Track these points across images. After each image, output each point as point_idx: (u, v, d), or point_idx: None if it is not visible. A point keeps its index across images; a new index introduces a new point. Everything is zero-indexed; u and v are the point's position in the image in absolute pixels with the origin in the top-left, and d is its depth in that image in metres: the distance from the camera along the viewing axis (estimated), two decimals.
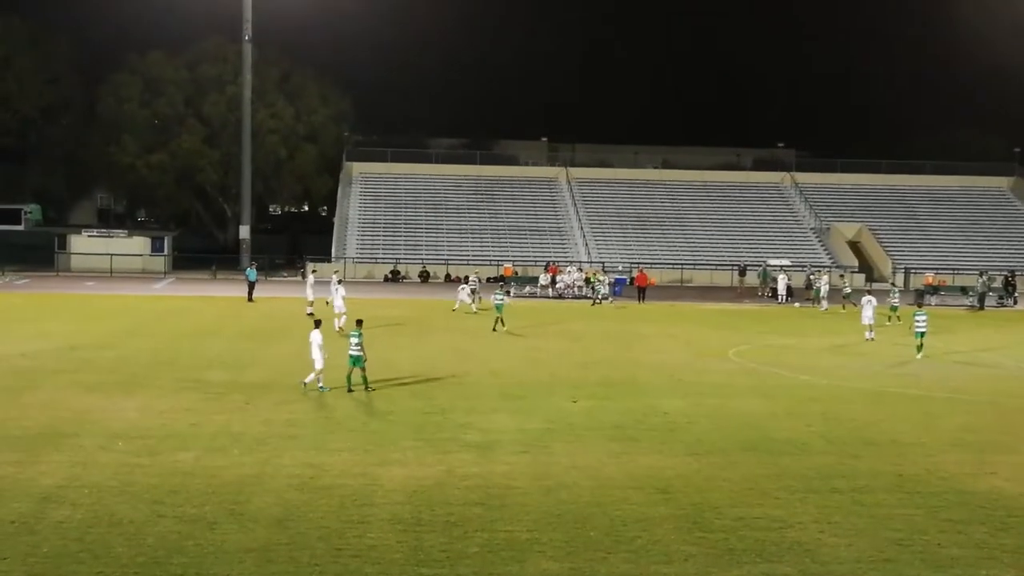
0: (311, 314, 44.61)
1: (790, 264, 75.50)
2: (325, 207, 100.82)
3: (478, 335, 43.73)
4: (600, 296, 59.26)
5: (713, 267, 79.38)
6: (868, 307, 44.14)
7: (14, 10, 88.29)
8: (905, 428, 26.43)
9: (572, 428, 25.50)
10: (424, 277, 75.91)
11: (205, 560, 16.05)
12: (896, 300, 51.48)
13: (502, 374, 33.67)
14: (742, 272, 73.91)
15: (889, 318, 49.76)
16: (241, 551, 16.41)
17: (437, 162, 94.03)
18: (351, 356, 29.50)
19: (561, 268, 69.68)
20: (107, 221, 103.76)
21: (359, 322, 31.06)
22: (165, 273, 75.72)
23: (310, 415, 26.51)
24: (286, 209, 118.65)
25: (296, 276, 73.34)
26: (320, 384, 29.42)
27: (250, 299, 55.54)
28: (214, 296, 58.94)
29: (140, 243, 79.47)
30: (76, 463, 21.22)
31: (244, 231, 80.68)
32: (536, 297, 64.77)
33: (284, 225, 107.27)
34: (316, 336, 29.58)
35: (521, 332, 45.25)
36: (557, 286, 65.92)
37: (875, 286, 66.27)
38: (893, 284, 70.88)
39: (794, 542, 17.53)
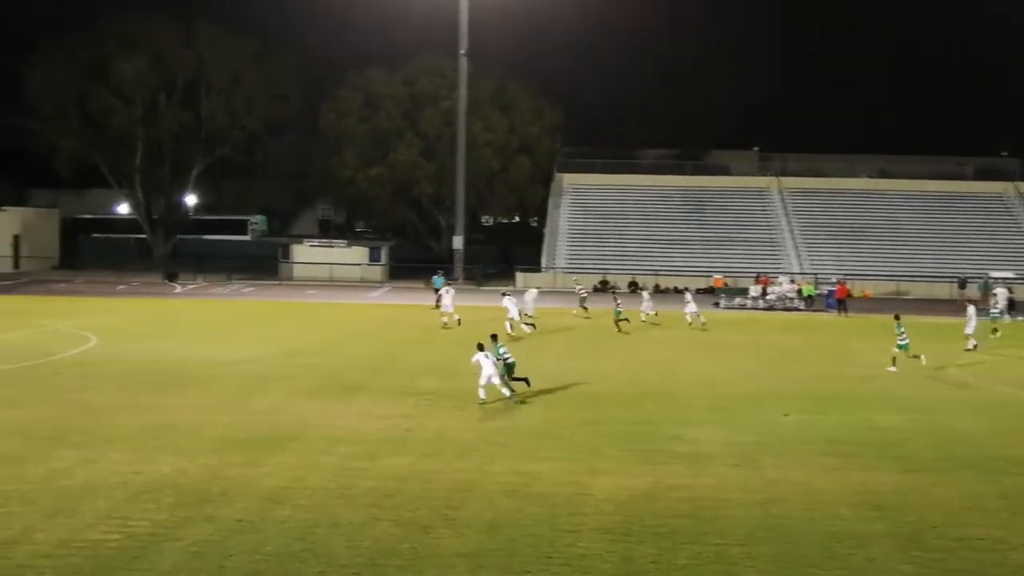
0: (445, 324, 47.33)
1: (1014, 277, 72.52)
2: (536, 218, 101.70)
3: (683, 346, 43.52)
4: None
5: (931, 279, 76.86)
6: None
7: (243, 32, 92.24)
8: None
9: (783, 442, 25.18)
10: (633, 288, 75.89)
11: (419, 563, 16.49)
12: None
13: (711, 386, 33.46)
14: (962, 285, 71.37)
15: None
16: (454, 555, 16.81)
17: (647, 172, 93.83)
18: (508, 364, 30.31)
19: (772, 279, 68.67)
20: (328, 232, 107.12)
21: (494, 336, 32.08)
22: (382, 282, 77.73)
23: (520, 423, 26.89)
24: (498, 220, 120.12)
25: (508, 285, 74.26)
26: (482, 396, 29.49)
27: (437, 306, 56.61)
28: (428, 305, 60.18)
29: (359, 253, 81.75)
30: (298, 466, 22.08)
31: (458, 241, 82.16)
32: (747, 309, 63.99)
33: (496, 236, 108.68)
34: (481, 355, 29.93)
35: (730, 344, 44.86)
36: (768, 297, 65.00)
37: None
38: None
39: (1018, 565, 16.94)
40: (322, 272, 77.21)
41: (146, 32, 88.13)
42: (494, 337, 32.12)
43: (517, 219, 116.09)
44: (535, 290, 53.55)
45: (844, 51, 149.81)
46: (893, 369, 37.09)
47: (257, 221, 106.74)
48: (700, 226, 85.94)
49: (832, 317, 58.82)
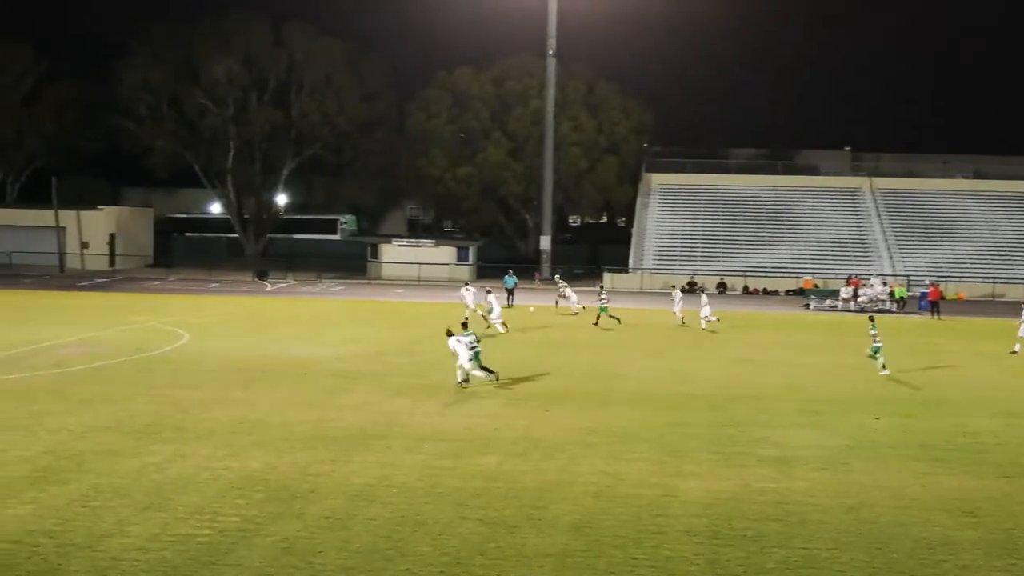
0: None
1: None
2: (624, 218, 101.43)
3: (772, 348, 43.10)
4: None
5: None
6: None
7: (335, 33, 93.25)
8: None
9: (874, 446, 24.82)
10: (721, 288, 75.36)
11: (505, 563, 16.50)
12: None
13: (799, 388, 33.10)
14: None
15: None
16: (539, 555, 16.80)
17: (736, 172, 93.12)
18: (475, 352, 31.70)
19: (863, 281, 67.76)
20: (416, 231, 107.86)
21: (464, 324, 33.79)
22: (469, 282, 77.92)
23: (606, 423, 26.79)
24: (585, 220, 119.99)
25: (594, 286, 74.15)
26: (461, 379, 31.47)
27: (509, 304, 57.03)
28: (514, 305, 60.30)
29: (446, 252, 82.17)
30: (385, 464, 22.22)
31: (545, 241, 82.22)
32: (837, 311, 63.21)
33: (583, 236, 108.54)
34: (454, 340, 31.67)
35: (820, 346, 44.36)
36: (859, 299, 64.15)
37: None
38: None
39: None
40: (410, 272, 77.72)
41: (238, 33, 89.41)
42: (464, 325, 33.66)
43: (605, 219, 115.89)
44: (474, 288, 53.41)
45: (938, 49, 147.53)
46: (886, 372, 36.21)
47: (346, 220, 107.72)
48: (789, 226, 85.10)
49: (925, 320, 57.91)
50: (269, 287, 70.46)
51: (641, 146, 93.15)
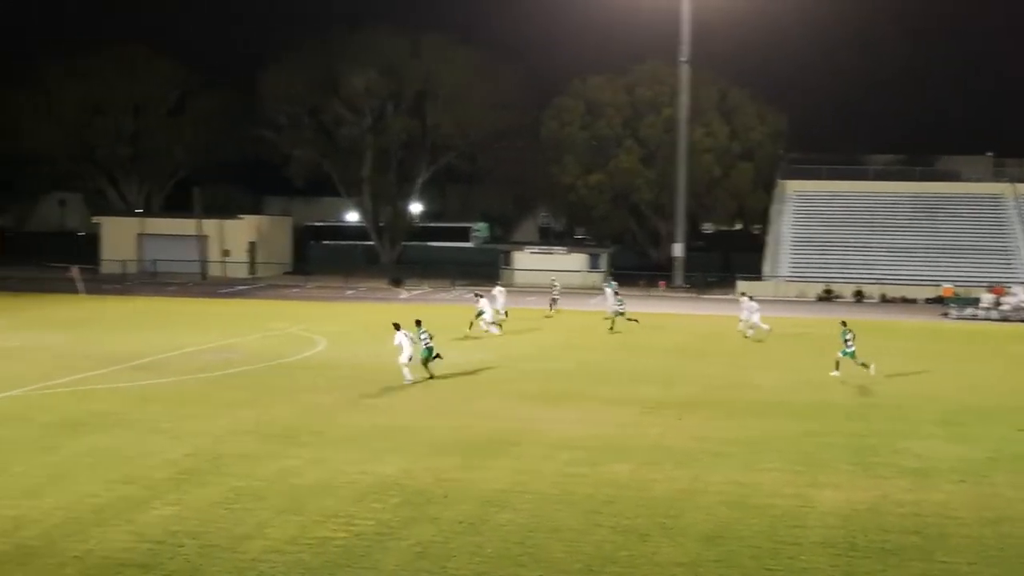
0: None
1: None
2: (759, 225, 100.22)
3: (913, 357, 42.14)
4: None
5: None
6: None
7: (470, 43, 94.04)
8: None
9: (1018, 458, 24.16)
10: (858, 297, 74.02)
11: (637, 571, 16.50)
12: None
13: (940, 399, 32.34)
14: None
15: None
16: (672, 564, 16.75)
17: (873, 179, 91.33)
18: (427, 348, 33.80)
19: (1007, 289, 65.93)
20: (548, 238, 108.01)
21: (419, 322, 35.11)
22: (601, 289, 77.85)
23: (740, 432, 26.56)
24: (719, 227, 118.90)
25: (729, 294, 73.60)
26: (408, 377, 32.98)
27: (621, 315, 57.55)
28: (646, 312, 60.07)
29: (578, 260, 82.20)
30: (519, 470, 22.36)
31: (677, 249, 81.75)
32: (978, 319, 61.59)
33: (717, 243, 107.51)
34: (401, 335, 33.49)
35: (961, 356, 43.32)
36: (1002, 308, 62.42)
37: None
38: None
39: None
40: (543, 278, 77.87)
41: (376, 44, 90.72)
42: (418, 323, 34.99)
43: (739, 226, 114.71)
44: (503, 289, 53.12)
45: None
46: (836, 374, 35.87)
47: (479, 228, 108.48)
48: (929, 233, 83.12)
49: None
50: (404, 294, 71.34)
51: (776, 152, 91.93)
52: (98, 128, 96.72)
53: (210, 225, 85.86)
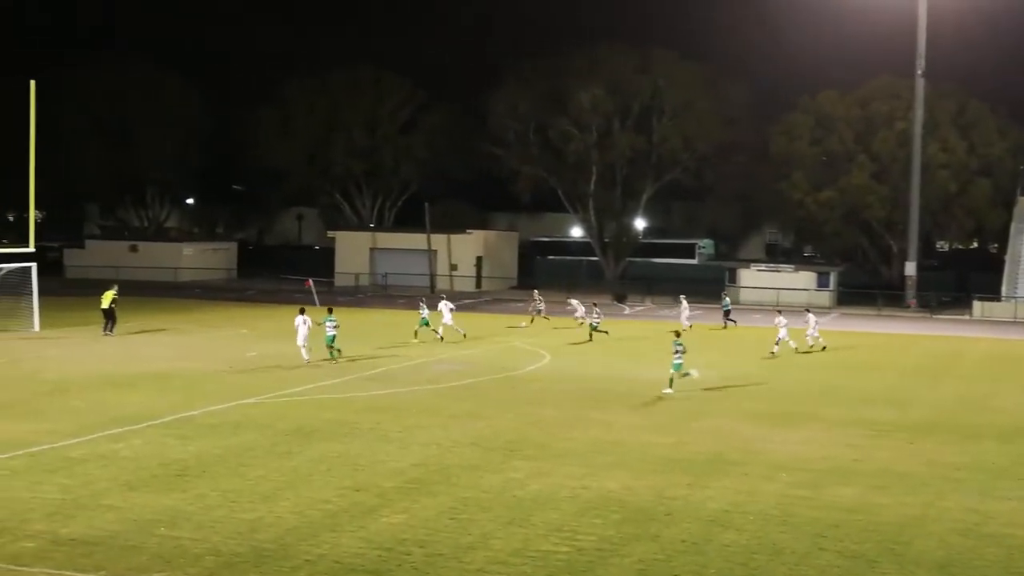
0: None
1: None
2: (996, 244, 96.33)
3: None
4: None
5: None
6: None
7: (696, 57, 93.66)
8: None
9: None
10: None
11: None
12: None
13: None
14: None
15: None
16: None
17: None
18: (330, 336, 39.69)
19: None
20: (774, 256, 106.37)
21: (330, 309, 41.68)
22: (829, 308, 76.24)
23: (977, 457, 25.62)
24: (953, 245, 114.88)
25: (964, 315, 71.11)
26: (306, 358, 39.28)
27: (725, 326, 58.13)
28: (877, 332, 58.58)
29: (806, 278, 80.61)
30: (741, 490, 22.13)
31: (910, 267, 79.38)
32: None
33: (951, 262, 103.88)
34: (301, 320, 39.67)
35: None
36: None
37: None
38: None
39: None
40: (768, 297, 76.76)
41: (604, 60, 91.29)
42: (330, 310, 41.39)
43: (975, 245, 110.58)
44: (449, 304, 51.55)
45: None
46: (669, 391, 34.42)
47: (704, 245, 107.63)
48: None
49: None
50: (627, 310, 71.36)
51: (1017, 168, 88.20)
52: (333, 145, 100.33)
53: (439, 240, 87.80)
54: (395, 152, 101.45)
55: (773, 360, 44.83)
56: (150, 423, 27.86)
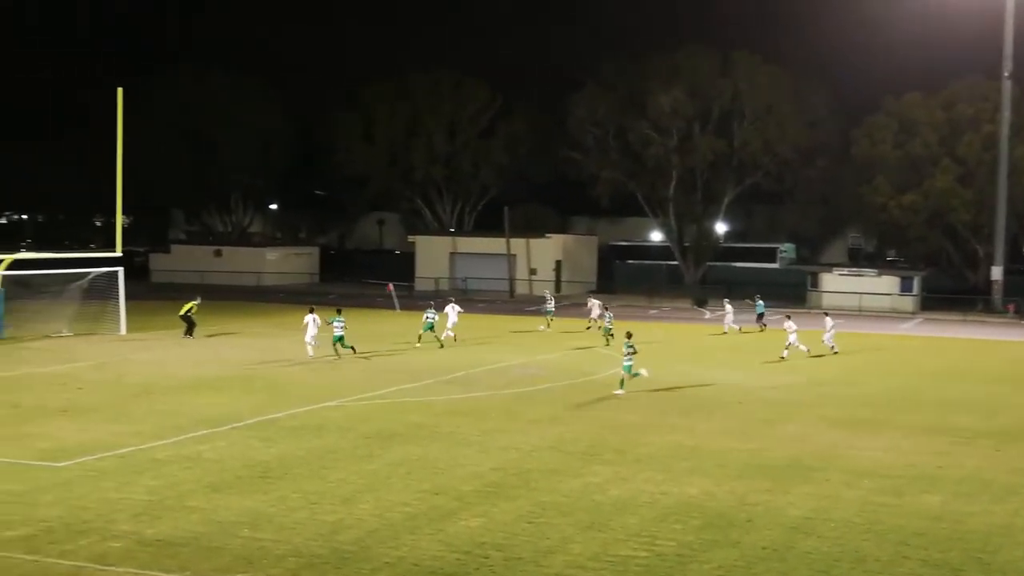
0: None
1: None
2: None
3: None
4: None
5: None
6: None
7: (778, 60, 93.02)
8: None
9: None
10: None
11: None
12: None
13: None
14: None
15: None
16: None
17: None
18: (337, 336, 42.11)
19: None
20: (857, 260, 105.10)
21: (339, 310, 44.10)
22: (913, 313, 75.25)
23: None
24: None
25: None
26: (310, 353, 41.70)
27: (761, 329, 57.76)
28: (962, 338, 57.67)
29: (889, 283, 79.56)
30: (823, 496, 21.92)
31: (996, 272, 78.11)
32: None
33: None
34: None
35: None
36: None
37: None
38: None
39: None
40: (850, 301, 75.91)
41: (685, 64, 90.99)
42: (338, 311, 43.61)
43: None
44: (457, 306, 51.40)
45: None
46: (620, 392, 34.34)
47: (786, 249, 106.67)
48: None
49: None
50: (707, 315, 70.94)
51: None
52: (413, 150, 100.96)
53: (518, 244, 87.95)
54: (475, 157, 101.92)
55: (853, 366, 44.34)
56: (233, 425, 28.27)
